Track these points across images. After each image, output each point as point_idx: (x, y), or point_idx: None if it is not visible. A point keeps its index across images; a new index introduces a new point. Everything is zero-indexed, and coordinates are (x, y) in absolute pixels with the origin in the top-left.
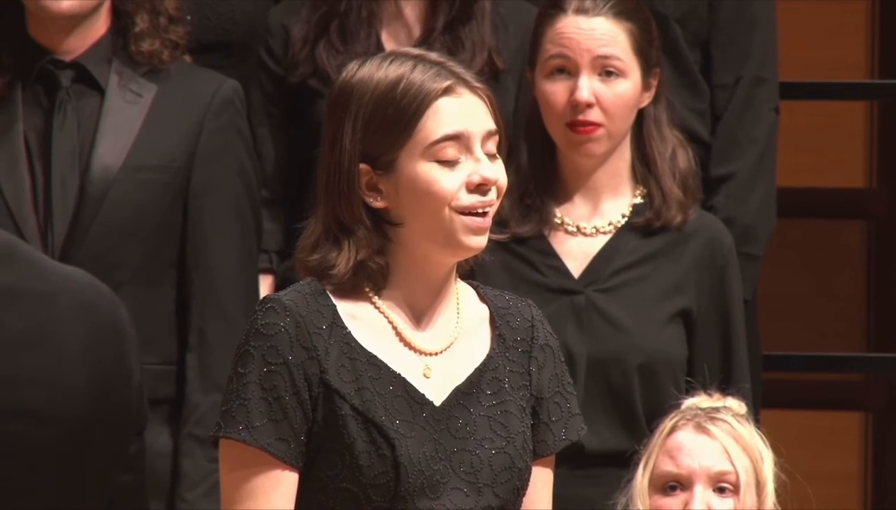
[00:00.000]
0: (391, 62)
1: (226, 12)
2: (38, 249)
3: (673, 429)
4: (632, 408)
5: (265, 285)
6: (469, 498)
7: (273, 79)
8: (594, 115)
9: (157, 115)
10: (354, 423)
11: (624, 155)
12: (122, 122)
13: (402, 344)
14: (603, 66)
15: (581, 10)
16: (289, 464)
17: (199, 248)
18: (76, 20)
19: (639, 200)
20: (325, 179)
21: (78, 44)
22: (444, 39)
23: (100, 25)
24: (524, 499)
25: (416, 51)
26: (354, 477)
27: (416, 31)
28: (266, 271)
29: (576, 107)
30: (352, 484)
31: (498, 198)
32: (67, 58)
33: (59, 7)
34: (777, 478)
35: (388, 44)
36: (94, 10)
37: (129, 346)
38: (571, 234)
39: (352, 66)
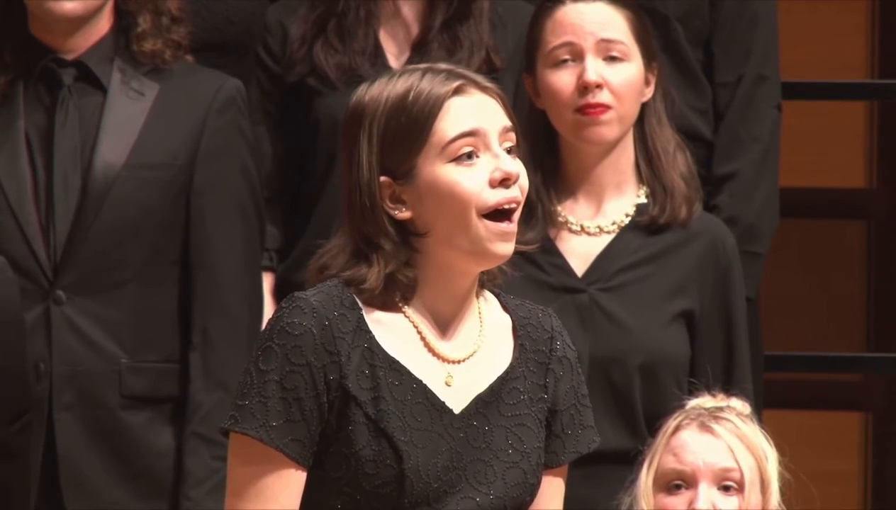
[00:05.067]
0: (399, 76)
1: (221, 11)
2: (41, 247)
3: (677, 429)
4: (632, 408)
5: (265, 283)
6: (479, 508)
7: (271, 77)
8: (603, 96)
9: (159, 114)
10: (366, 431)
11: (627, 152)
12: (125, 120)
13: (426, 350)
14: (607, 49)
15: None
16: (301, 464)
17: (202, 246)
18: (79, 21)
19: (642, 199)
20: (347, 198)
21: (80, 43)
22: (442, 38)
23: (102, 25)
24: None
25: (424, 64)
26: (358, 482)
27: (415, 30)
28: (265, 269)
29: (584, 90)
30: (354, 489)
31: (522, 195)
32: (69, 56)
33: (62, 9)
34: (781, 478)
35: (387, 43)
36: (97, 10)
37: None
38: (575, 233)
39: (362, 87)
